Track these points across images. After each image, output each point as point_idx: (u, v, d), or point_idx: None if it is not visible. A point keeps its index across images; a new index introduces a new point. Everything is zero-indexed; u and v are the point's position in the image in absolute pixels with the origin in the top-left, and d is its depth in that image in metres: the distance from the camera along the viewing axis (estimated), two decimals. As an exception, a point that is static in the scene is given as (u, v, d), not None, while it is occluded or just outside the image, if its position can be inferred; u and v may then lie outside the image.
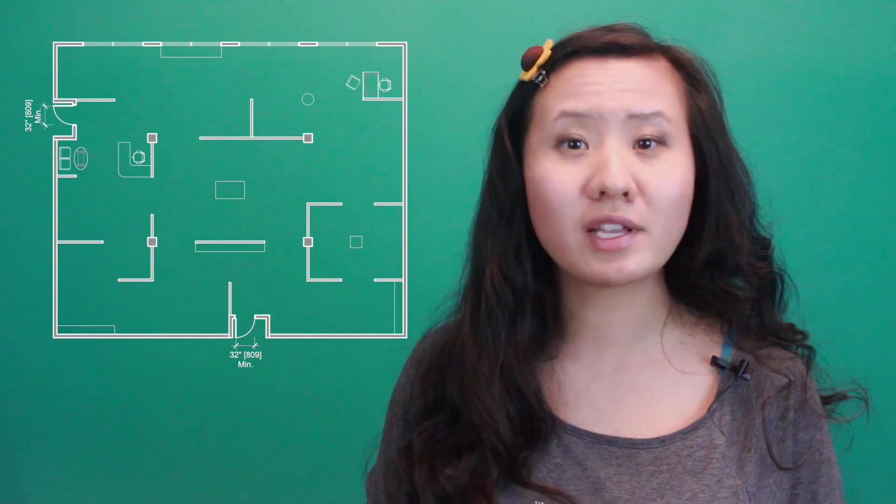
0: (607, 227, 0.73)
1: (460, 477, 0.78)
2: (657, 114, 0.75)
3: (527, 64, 0.80)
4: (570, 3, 1.24)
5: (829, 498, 0.80)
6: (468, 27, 1.28)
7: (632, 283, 0.77)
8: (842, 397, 0.84)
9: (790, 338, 0.85)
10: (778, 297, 0.84)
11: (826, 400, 0.83)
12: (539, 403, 0.79)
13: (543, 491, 0.76)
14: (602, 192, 0.73)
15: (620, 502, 0.75)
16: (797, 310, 0.86)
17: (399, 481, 0.84)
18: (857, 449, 0.90)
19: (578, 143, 0.75)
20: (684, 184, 0.76)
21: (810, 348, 0.85)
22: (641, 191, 0.74)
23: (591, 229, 0.74)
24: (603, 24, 0.80)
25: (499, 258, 0.81)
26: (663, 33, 0.81)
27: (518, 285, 0.81)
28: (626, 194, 0.73)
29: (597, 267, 0.74)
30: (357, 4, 1.28)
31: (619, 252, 0.73)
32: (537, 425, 0.79)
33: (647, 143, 0.75)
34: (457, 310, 0.87)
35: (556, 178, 0.75)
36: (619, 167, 0.73)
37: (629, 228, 0.74)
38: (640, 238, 0.74)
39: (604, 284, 0.76)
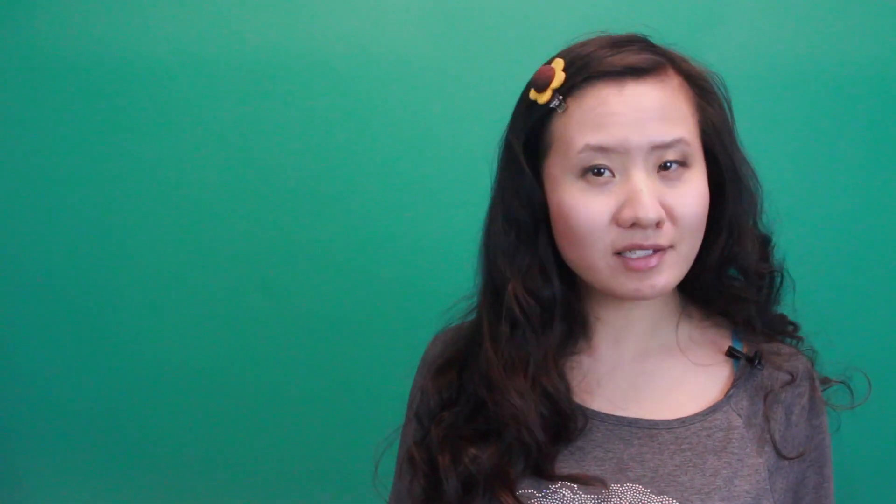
0: (638, 251, 0.76)
1: (485, 459, 0.80)
2: (679, 140, 0.77)
3: (540, 86, 0.80)
4: (571, 4, 1.24)
5: (831, 474, 0.86)
6: (468, 27, 1.27)
7: None
8: (834, 383, 0.88)
9: (782, 329, 0.89)
10: (775, 291, 0.89)
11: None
12: (569, 405, 0.82)
13: (568, 479, 0.78)
14: (633, 223, 0.75)
15: (644, 480, 0.78)
16: (791, 303, 0.90)
17: (413, 475, 0.85)
18: (843, 433, 0.94)
19: (603, 171, 0.77)
20: (705, 199, 0.79)
21: (801, 339, 0.89)
22: (669, 214, 0.76)
23: (620, 252, 0.77)
24: (606, 35, 0.80)
25: (521, 276, 0.83)
26: (663, 32, 0.82)
27: (546, 298, 0.83)
28: (657, 223, 0.75)
29: (630, 286, 0.77)
30: (358, 4, 1.28)
31: (650, 270, 0.76)
32: (569, 424, 0.81)
33: (669, 164, 0.77)
34: (470, 311, 0.89)
35: (584, 207, 0.77)
36: (650, 199, 0.75)
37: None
38: (668, 256, 0.77)
39: (637, 300, 0.80)
